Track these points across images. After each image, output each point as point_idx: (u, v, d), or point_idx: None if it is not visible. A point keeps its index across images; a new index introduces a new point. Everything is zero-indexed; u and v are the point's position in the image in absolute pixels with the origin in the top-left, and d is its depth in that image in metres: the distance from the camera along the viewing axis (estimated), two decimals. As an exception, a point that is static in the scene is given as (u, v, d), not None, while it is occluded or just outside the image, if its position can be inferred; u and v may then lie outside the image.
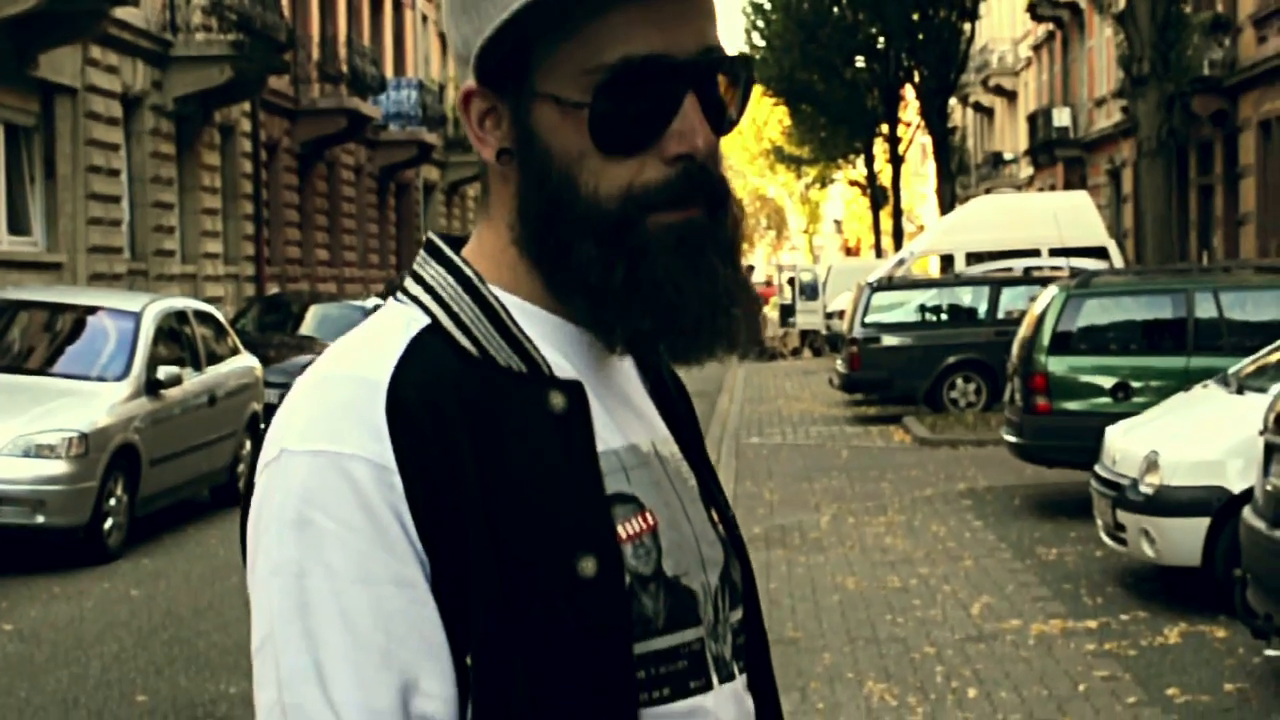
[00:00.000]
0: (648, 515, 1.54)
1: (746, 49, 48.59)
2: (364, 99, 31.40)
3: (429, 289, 1.55)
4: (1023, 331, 13.86)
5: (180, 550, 11.79)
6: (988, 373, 19.98)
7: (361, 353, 1.50)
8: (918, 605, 9.86)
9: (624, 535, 1.51)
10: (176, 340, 13.07)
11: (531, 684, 1.45)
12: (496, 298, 1.53)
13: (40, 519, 10.74)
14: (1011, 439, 13.72)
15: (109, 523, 11.29)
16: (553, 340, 1.54)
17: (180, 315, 13.35)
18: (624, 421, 1.58)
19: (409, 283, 1.57)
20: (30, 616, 9.56)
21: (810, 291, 36.46)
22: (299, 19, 29.19)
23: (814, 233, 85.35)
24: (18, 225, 19.40)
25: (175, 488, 12.36)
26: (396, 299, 1.57)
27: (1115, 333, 13.70)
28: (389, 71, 36.09)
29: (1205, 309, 13.11)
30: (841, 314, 26.71)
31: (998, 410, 17.81)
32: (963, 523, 12.89)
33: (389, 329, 1.52)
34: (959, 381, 20.73)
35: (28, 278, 17.75)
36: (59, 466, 10.81)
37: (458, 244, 1.59)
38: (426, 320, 1.52)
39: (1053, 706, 7.55)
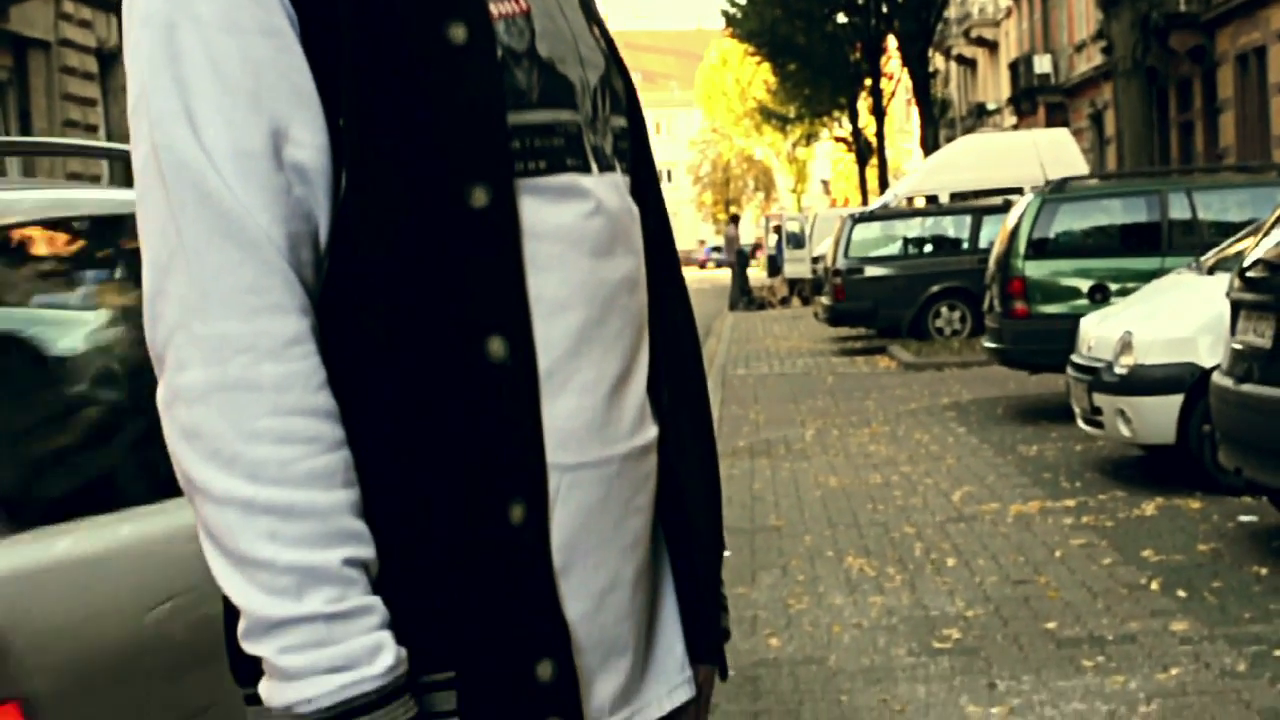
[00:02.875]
0: (520, 0, 1.56)
1: (728, 5, 48.63)
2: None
3: None
4: (1000, 238, 13.90)
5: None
6: (972, 300, 19.99)
7: None
8: (898, 496, 9.92)
9: (495, 13, 1.52)
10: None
11: (406, 147, 1.47)
12: None
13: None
14: (992, 345, 13.76)
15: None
16: None
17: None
18: None
19: None
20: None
21: (797, 241, 36.44)
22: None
23: (802, 191, 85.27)
24: (-4, 181, 19.36)
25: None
26: None
27: (1091, 236, 13.74)
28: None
29: (1179, 210, 13.13)
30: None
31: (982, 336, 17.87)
32: (946, 430, 12.94)
33: None
34: (943, 310, 20.77)
35: (8, 230, 17.71)
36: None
37: None
38: None
39: (1030, 570, 7.61)
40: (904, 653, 6.29)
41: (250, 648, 1.42)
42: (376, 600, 1.43)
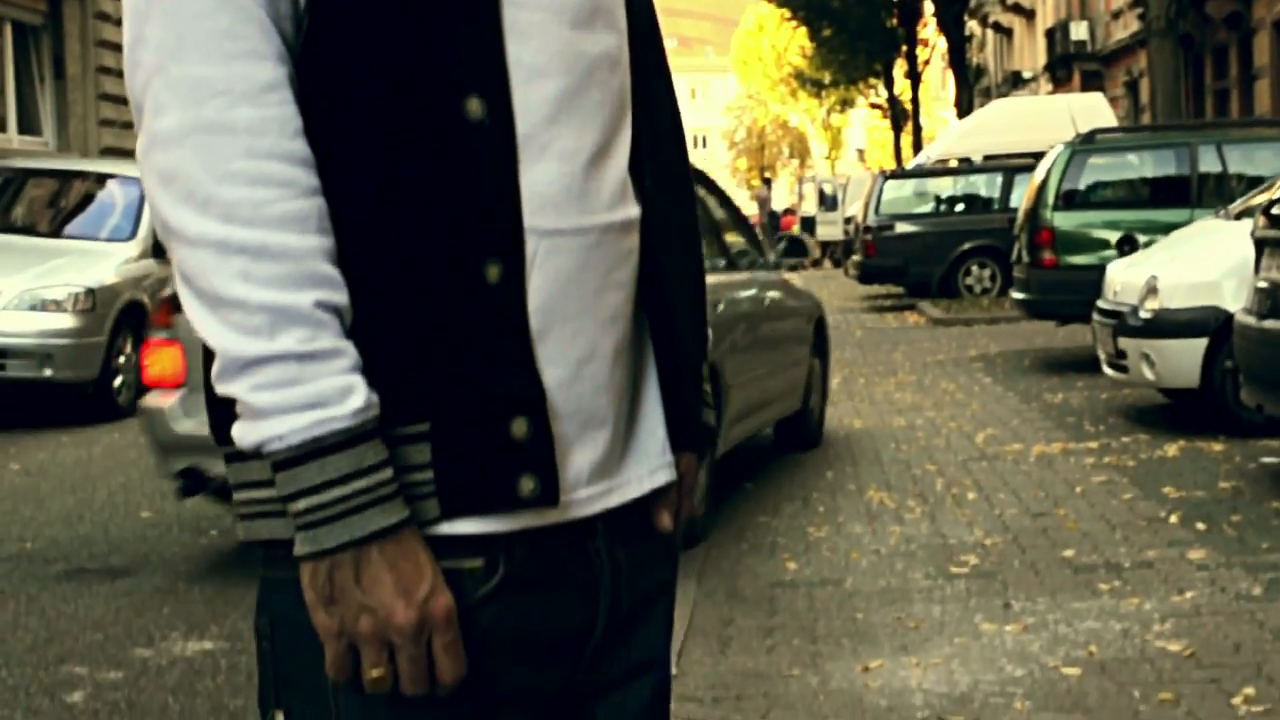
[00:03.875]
0: None
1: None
2: None
3: None
4: (1029, 189, 13.86)
5: (191, 411, 11.84)
6: (1002, 259, 19.90)
7: None
8: (921, 437, 9.92)
9: None
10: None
11: None
12: None
13: (48, 372, 10.82)
14: (1019, 295, 13.74)
15: (119, 380, 11.36)
16: None
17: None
18: None
19: None
20: (38, 458, 9.65)
21: (830, 203, 36.36)
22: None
23: (836, 158, 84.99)
24: (28, 125, 19.41)
25: (186, 354, 12.39)
26: None
27: (1120, 188, 13.69)
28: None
29: (1209, 163, 13.07)
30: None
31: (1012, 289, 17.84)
32: (972, 379, 12.93)
33: None
34: (974, 268, 20.72)
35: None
36: (66, 321, 10.88)
37: None
38: None
39: (1049, 503, 7.60)
40: (921, 576, 6.29)
41: (223, 388, 1.44)
42: (348, 345, 1.45)
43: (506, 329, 1.51)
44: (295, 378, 1.42)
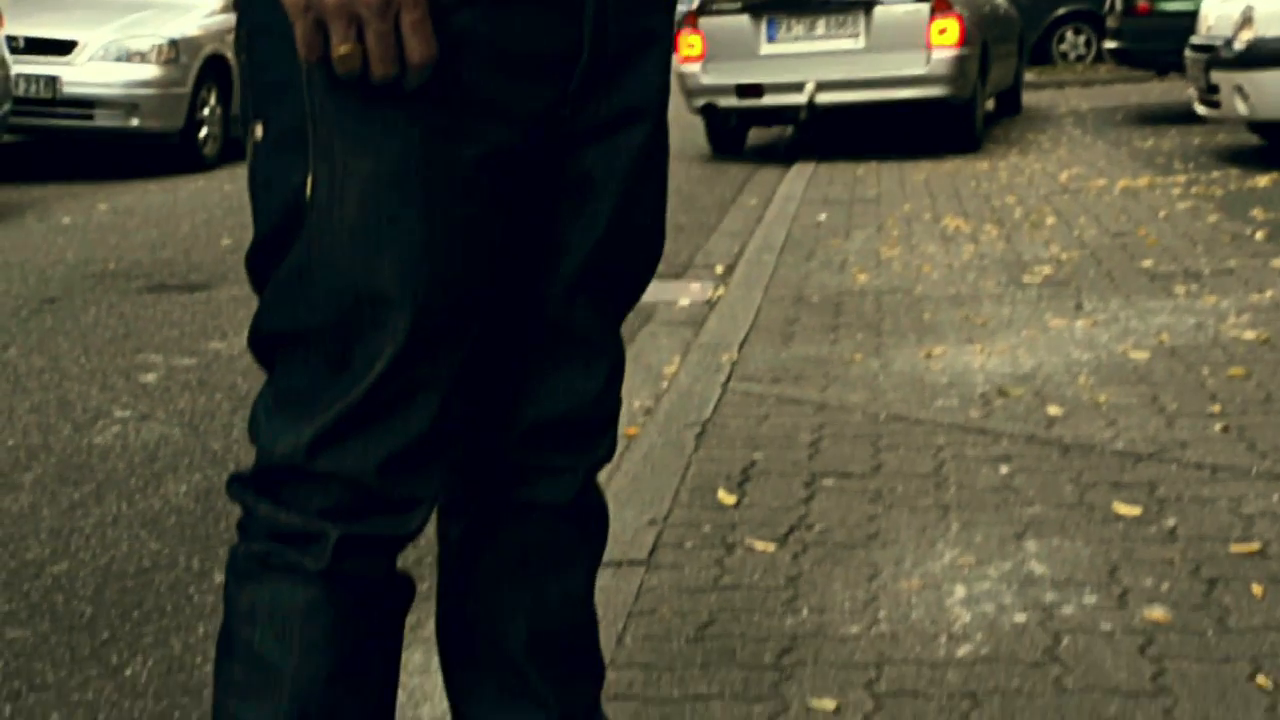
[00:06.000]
0: None
1: None
2: None
3: None
4: (1125, -64, 13.49)
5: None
6: (1098, 24, 19.44)
7: None
8: (1004, 176, 9.79)
9: None
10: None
11: None
12: None
13: (135, 122, 10.86)
14: (1111, 45, 13.44)
15: (204, 132, 11.40)
16: None
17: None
18: None
19: None
20: (125, 200, 9.74)
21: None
22: None
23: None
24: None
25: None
26: None
27: (1221, -69, 13.25)
28: None
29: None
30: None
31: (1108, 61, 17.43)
32: (1060, 131, 12.71)
33: None
34: (1068, 34, 20.24)
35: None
36: (150, 71, 10.89)
37: None
38: None
39: (1131, 225, 7.49)
40: (992, 284, 6.24)
41: None
42: None
43: None
44: None
